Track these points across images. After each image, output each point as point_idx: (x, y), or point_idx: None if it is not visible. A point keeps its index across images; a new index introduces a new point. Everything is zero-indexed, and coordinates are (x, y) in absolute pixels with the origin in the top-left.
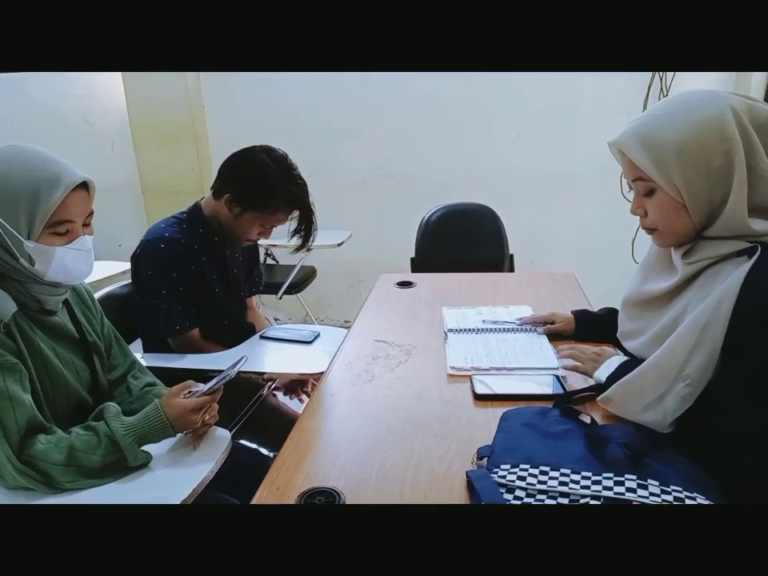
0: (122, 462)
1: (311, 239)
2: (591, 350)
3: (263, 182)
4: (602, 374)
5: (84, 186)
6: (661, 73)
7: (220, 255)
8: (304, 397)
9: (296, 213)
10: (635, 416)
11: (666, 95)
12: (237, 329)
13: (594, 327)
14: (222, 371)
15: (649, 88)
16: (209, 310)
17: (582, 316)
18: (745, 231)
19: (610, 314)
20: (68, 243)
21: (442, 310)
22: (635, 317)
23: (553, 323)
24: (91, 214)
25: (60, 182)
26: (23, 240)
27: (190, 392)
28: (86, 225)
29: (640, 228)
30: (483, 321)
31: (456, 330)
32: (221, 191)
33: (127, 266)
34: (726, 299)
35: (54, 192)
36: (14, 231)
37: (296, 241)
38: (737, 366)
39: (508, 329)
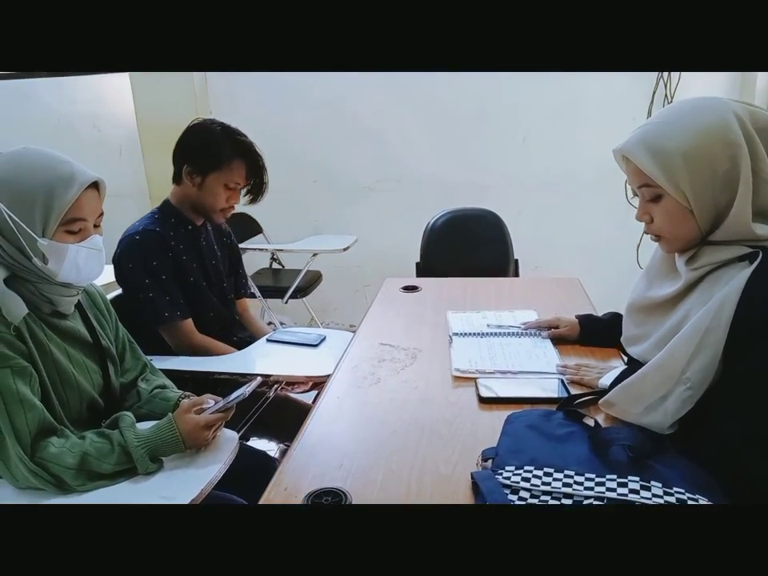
0: (132, 471)
1: (262, 192)
2: (597, 367)
3: (211, 142)
4: (607, 380)
5: (95, 186)
6: (665, 78)
7: (196, 244)
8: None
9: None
10: (636, 418)
11: (671, 100)
12: (222, 321)
13: (598, 332)
14: (235, 390)
15: (653, 93)
16: (191, 300)
17: (586, 321)
18: (748, 235)
19: (615, 319)
20: (80, 242)
21: (446, 314)
22: (640, 322)
23: (557, 328)
24: (101, 214)
25: (74, 181)
26: (37, 238)
27: (201, 408)
28: (96, 225)
29: (645, 233)
30: (488, 325)
31: (461, 333)
32: (179, 171)
33: None
34: (726, 304)
35: (69, 190)
36: (28, 230)
37: (249, 197)
38: (737, 370)
39: (512, 333)
